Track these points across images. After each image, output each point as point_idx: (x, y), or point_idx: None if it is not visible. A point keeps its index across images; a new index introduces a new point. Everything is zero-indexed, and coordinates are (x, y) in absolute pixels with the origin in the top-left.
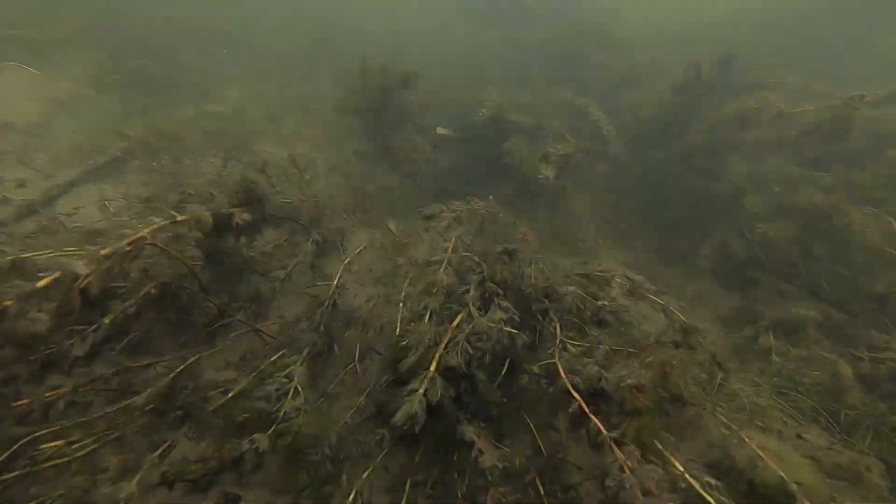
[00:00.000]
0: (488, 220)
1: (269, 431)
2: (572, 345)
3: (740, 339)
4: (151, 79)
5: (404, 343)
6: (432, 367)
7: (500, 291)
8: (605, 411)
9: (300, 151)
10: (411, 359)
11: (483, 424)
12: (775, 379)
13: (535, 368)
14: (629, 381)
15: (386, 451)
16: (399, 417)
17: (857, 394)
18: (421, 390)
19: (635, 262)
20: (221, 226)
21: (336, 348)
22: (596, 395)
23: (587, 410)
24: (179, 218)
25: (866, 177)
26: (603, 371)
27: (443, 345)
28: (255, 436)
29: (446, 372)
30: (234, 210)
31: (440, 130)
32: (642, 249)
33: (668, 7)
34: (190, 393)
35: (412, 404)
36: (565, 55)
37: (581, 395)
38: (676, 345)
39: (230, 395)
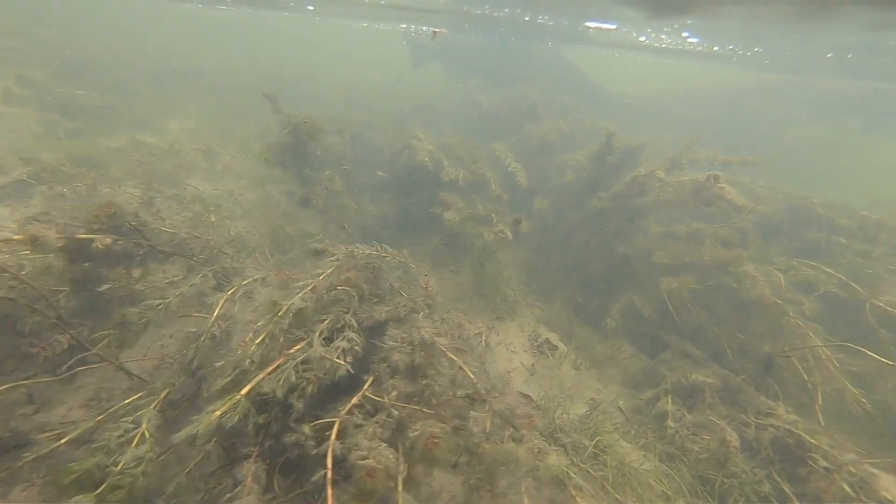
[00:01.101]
0: (392, 267)
1: (100, 489)
2: (375, 398)
3: (641, 402)
4: (91, 104)
5: (221, 364)
6: (243, 391)
7: (354, 324)
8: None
9: (228, 188)
10: (222, 381)
11: (266, 465)
12: (658, 446)
13: (307, 429)
14: (366, 461)
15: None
16: (178, 437)
17: (739, 461)
18: (217, 413)
19: (552, 319)
20: (80, 251)
21: (205, 390)
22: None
23: (328, 481)
24: (15, 236)
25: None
26: (367, 441)
27: (268, 369)
28: (77, 498)
29: (260, 398)
30: (97, 236)
31: (381, 174)
32: (561, 307)
33: (639, 80)
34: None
35: (196, 426)
36: (513, 115)
37: (335, 464)
38: (471, 399)
39: (63, 440)
